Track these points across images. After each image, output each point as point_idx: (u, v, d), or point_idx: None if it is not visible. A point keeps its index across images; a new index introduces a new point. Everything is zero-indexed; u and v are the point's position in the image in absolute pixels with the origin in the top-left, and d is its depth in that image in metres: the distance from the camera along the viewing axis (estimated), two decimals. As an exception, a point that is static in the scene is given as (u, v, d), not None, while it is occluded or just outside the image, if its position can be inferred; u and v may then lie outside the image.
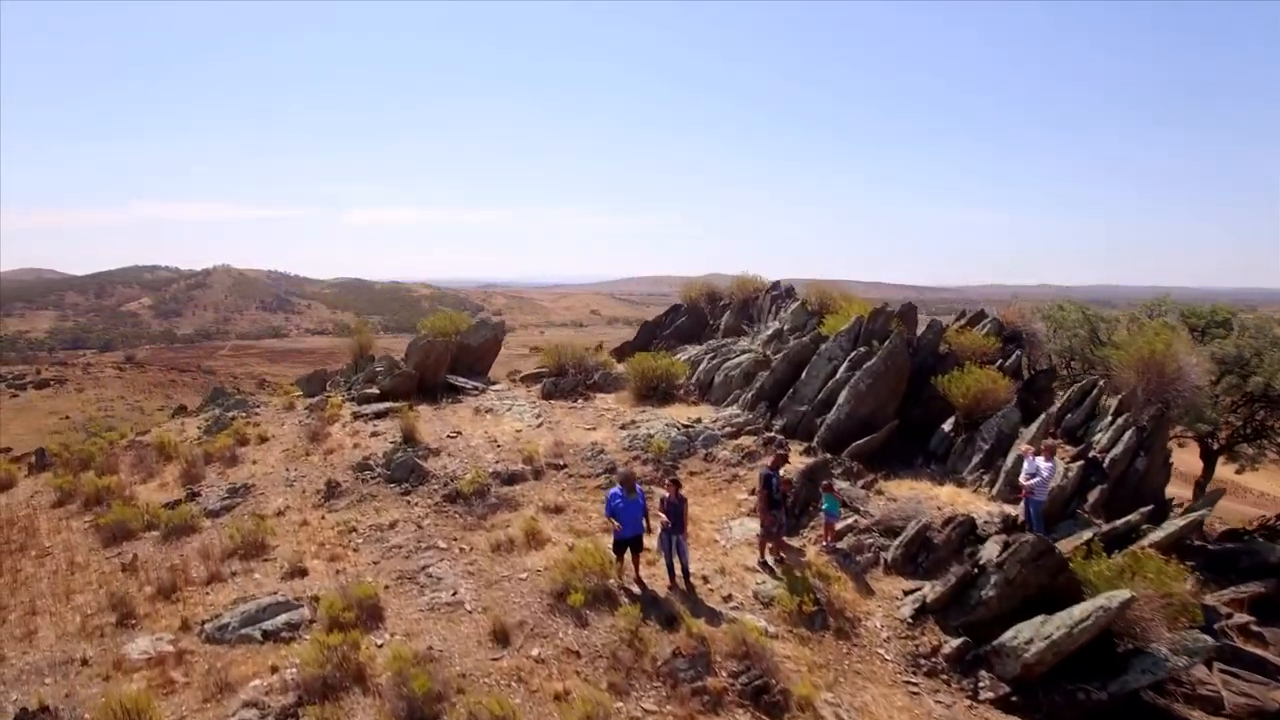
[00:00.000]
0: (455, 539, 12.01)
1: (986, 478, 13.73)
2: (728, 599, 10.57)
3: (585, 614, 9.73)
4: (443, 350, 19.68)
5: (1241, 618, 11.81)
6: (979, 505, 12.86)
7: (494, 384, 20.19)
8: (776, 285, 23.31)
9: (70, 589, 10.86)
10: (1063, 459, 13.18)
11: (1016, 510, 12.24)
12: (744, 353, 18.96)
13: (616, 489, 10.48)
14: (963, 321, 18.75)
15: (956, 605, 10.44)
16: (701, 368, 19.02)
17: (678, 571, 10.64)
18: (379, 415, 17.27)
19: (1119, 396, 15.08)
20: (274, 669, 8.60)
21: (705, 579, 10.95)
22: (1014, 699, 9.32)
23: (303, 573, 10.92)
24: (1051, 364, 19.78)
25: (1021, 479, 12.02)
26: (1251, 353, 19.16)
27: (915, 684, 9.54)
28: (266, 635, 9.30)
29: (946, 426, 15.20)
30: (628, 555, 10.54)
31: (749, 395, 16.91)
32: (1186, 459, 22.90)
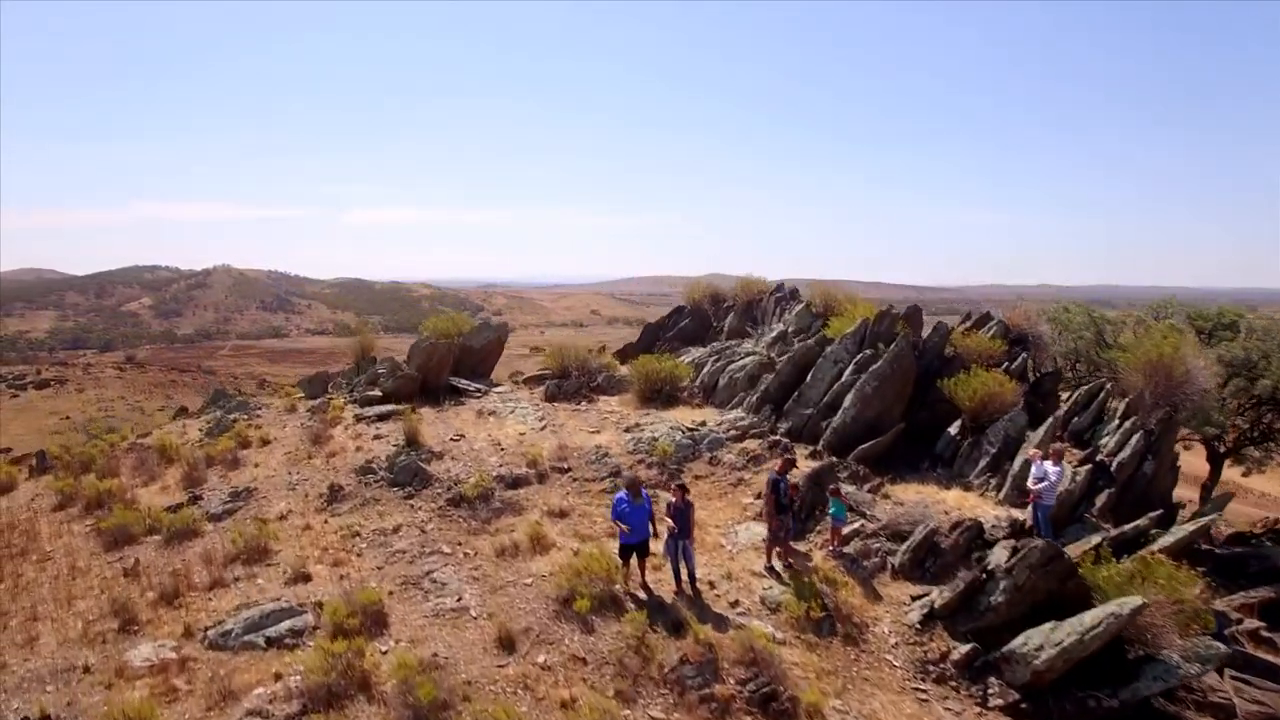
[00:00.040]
0: (459, 544, 11.93)
1: (993, 481, 13.63)
2: (735, 604, 10.50)
3: (591, 620, 9.67)
4: (445, 352, 19.59)
5: (1252, 623, 11.72)
6: (986, 509, 12.77)
7: (497, 386, 20.10)
8: (780, 287, 23.17)
9: (72, 594, 10.77)
10: (1070, 463, 13.08)
11: (1024, 515, 12.15)
12: (748, 355, 18.85)
13: (622, 493, 10.42)
14: (968, 324, 18.65)
15: (965, 611, 10.37)
16: (705, 370, 18.92)
17: (684, 577, 10.57)
18: (381, 418, 17.17)
19: (1126, 399, 14.98)
20: (278, 676, 8.54)
21: (712, 584, 10.88)
22: (1024, 706, 9.25)
23: (306, 578, 10.85)
24: (1057, 367, 19.70)
25: (1029, 484, 11.92)
26: (1259, 355, 19.05)
27: (924, 690, 9.47)
28: (270, 642, 9.23)
29: (953, 430, 15.10)
30: (634, 560, 10.48)
31: (754, 398, 16.82)
32: (1192, 461, 22.80)
